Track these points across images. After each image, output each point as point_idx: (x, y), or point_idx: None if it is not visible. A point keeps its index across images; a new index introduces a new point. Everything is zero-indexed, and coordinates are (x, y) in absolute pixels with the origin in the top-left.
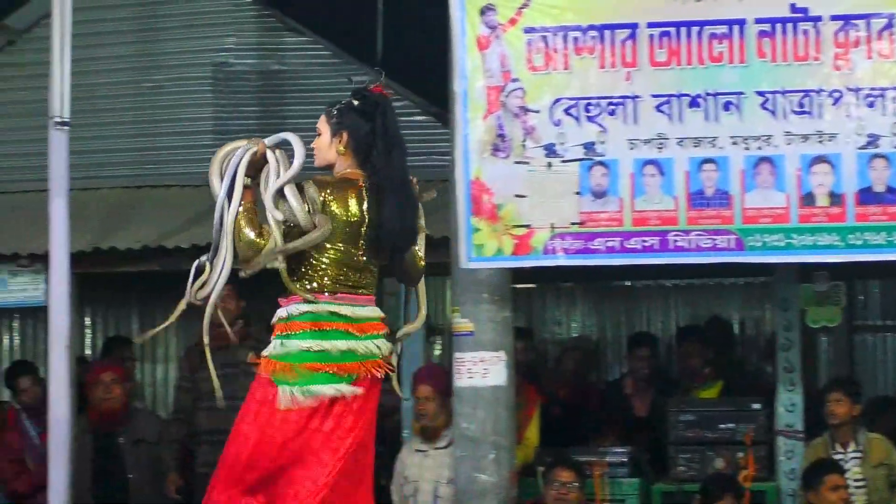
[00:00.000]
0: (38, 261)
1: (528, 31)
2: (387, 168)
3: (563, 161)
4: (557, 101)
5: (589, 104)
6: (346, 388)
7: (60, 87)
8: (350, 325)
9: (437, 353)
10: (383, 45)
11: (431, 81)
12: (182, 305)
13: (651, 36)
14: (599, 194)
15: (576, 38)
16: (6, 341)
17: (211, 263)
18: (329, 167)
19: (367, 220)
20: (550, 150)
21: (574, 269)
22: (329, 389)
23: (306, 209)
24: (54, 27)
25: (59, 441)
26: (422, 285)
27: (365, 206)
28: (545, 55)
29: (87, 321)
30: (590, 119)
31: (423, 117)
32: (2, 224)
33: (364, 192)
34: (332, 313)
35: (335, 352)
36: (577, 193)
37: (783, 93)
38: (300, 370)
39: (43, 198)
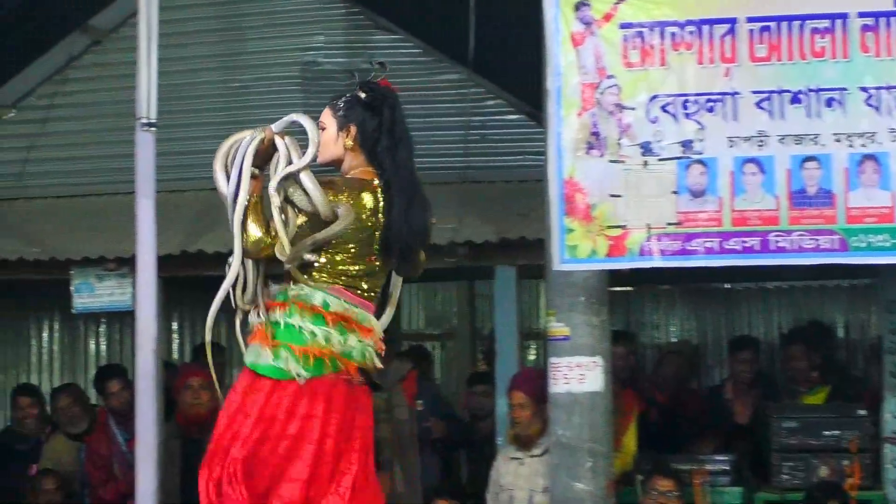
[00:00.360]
0: (125, 264)
1: (624, 26)
2: (393, 166)
3: (660, 159)
4: (654, 97)
5: (687, 101)
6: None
7: (147, 87)
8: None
9: (531, 357)
10: (475, 42)
11: (524, 79)
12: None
13: (751, 31)
14: (698, 193)
15: (673, 34)
16: (93, 346)
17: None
18: (334, 163)
19: (381, 223)
20: (647, 149)
21: (672, 271)
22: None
23: (327, 197)
24: (140, 27)
25: (146, 447)
26: (399, 281)
27: (381, 206)
28: (641, 51)
29: (175, 325)
30: (687, 116)
31: (516, 116)
32: (89, 227)
33: (379, 192)
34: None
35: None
36: (675, 193)
37: (888, 88)
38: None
39: (130, 200)
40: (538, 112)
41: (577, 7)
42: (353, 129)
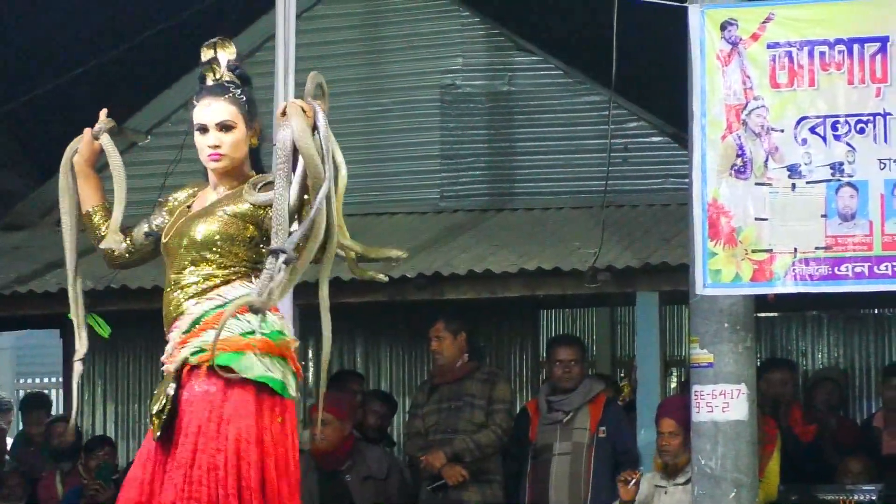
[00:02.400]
0: None
1: (772, 46)
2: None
3: (808, 182)
4: (803, 119)
5: (836, 122)
6: None
7: None
8: None
9: (673, 386)
10: (618, 63)
11: (668, 101)
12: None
13: None
14: (847, 217)
15: (822, 53)
16: None
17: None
18: (234, 170)
19: None
20: (794, 171)
21: (820, 297)
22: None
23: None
24: (278, 50)
25: None
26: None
27: None
28: (789, 71)
29: (310, 353)
30: (837, 138)
31: (660, 138)
32: None
33: None
34: None
35: None
36: (823, 216)
37: None
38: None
39: None
40: (682, 134)
41: (724, 27)
42: (257, 127)
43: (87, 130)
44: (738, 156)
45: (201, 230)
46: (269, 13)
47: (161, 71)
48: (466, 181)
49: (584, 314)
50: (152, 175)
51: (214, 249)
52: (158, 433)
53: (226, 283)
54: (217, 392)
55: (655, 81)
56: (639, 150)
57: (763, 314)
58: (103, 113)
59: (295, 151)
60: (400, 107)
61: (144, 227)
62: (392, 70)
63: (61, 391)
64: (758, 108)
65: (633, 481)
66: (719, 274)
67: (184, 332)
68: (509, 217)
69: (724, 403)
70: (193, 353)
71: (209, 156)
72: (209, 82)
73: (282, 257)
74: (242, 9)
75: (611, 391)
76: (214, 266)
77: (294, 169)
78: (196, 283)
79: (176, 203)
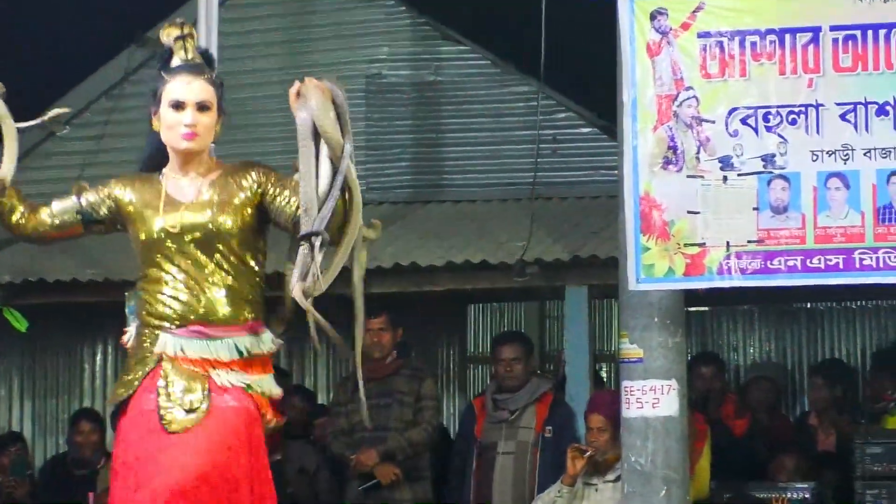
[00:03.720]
0: None
1: (703, 35)
2: None
3: (740, 174)
4: (734, 110)
5: (768, 113)
6: None
7: None
8: None
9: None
10: (546, 53)
11: (597, 91)
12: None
13: (835, 40)
14: (780, 210)
15: (754, 43)
16: None
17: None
18: (201, 154)
19: None
20: (726, 163)
21: (752, 291)
22: None
23: None
24: (200, 39)
25: None
26: None
27: None
28: (721, 61)
29: None
30: (769, 129)
31: (589, 129)
32: None
33: None
34: None
35: None
36: (755, 209)
37: None
38: None
39: None
40: (612, 125)
41: (653, 16)
42: (222, 117)
43: None
44: (669, 148)
45: (224, 221)
46: (190, 1)
47: (80, 60)
48: (392, 172)
49: (512, 308)
50: (67, 166)
51: (235, 242)
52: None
53: (253, 293)
54: (251, 409)
55: (585, 72)
56: (568, 141)
57: (693, 308)
58: None
59: (316, 132)
60: None
61: (67, 204)
62: (316, 59)
63: None
64: (688, 98)
65: (588, 454)
66: (652, 269)
67: (227, 353)
68: (436, 209)
69: (654, 399)
70: (250, 387)
71: (184, 134)
72: (178, 60)
73: (317, 240)
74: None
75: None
76: (237, 261)
77: (317, 149)
78: (221, 282)
79: (124, 192)
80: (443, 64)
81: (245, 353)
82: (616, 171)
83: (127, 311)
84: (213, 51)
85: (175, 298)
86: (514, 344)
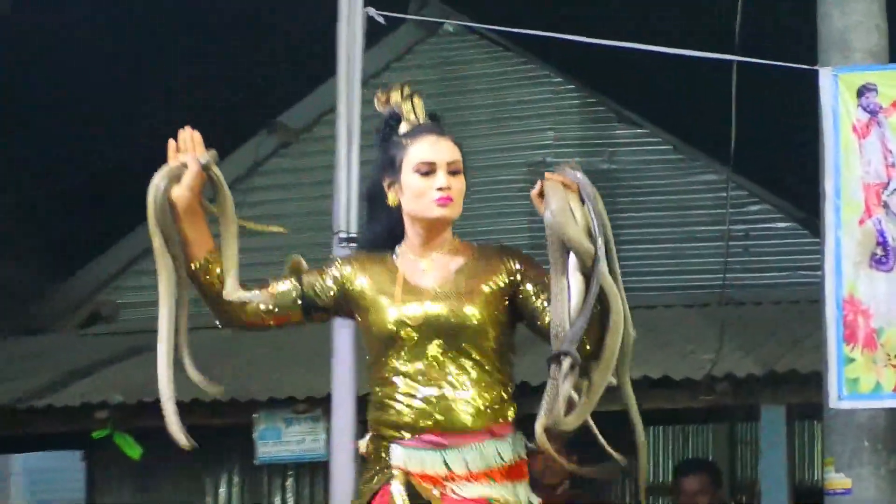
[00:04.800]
0: (318, 405)
1: None
2: None
3: None
4: None
5: None
6: None
7: (346, 196)
8: None
9: None
10: (737, 137)
11: (796, 180)
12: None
13: None
14: None
15: None
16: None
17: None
18: (449, 229)
19: None
20: None
21: None
22: None
23: None
24: (339, 124)
25: None
26: None
27: None
28: None
29: None
30: None
31: (786, 224)
32: (275, 362)
33: None
34: None
35: None
36: None
37: None
38: None
39: (325, 330)
40: (812, 218)
41: (861, 92)
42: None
43: (189, 156)
44: (878, 244)
45: (473, 314)
46: (326, 83)
47: (208, 147)
48: None
49: (698, 431)
50: None
51: (483, 339)
52: None
53: (500, 399)
54: None
55: (781, 158)
56: (762, 237)
57: None
58: (197, 138)
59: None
60: (483, 188)
61: (285, 286)
62: (474, 145)
63: None
64: None
65: None
66: (857, 383)
67: (473, 464)
68: None
69: None
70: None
71: (437, 199)
72: (406, 126)
73: (566, 361)
74: (290, 82)
75: None
76: (483, 359)
77: (566, 260)
78: (463, 385)
79: (354, 275)
80: (617, 149)
81: (491, 463)
82: (817, 272)
83: (255, 436)
84: (355, 139)
85: (409, 406)
86: (699, 474)
